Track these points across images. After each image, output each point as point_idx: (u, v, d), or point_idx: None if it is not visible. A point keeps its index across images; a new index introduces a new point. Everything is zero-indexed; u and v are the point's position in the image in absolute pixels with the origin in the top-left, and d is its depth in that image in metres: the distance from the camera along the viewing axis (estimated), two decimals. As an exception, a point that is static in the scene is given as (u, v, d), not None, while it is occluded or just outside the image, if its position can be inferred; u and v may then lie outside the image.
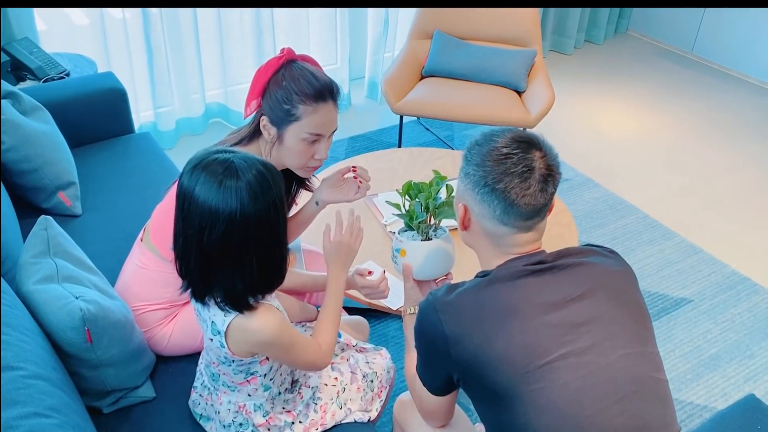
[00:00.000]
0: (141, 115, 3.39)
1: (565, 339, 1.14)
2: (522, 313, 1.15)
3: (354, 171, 1.75)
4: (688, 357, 2.43)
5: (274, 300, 1.38)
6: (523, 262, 1.22)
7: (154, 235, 1.67)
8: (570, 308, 1.17)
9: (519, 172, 1.19)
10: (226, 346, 1.31)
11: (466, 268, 2.00)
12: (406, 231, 1.61)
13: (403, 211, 1.59)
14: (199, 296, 1.29)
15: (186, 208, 1.22)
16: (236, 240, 1.21)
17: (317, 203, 1.81)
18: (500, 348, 1.13)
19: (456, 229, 1.38)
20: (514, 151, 1.20)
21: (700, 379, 2.35)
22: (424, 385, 1.31)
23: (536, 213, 1.22)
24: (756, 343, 2.49)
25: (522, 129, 1.28)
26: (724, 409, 1.66)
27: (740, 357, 2.44)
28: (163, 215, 1.67)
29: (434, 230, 1.58)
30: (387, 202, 1.75)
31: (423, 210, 1.54)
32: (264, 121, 1.58)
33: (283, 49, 1.59)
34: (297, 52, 1.60)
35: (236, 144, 1.64)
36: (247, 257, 1.23)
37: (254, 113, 1.61)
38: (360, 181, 1.76)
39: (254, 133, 1.63)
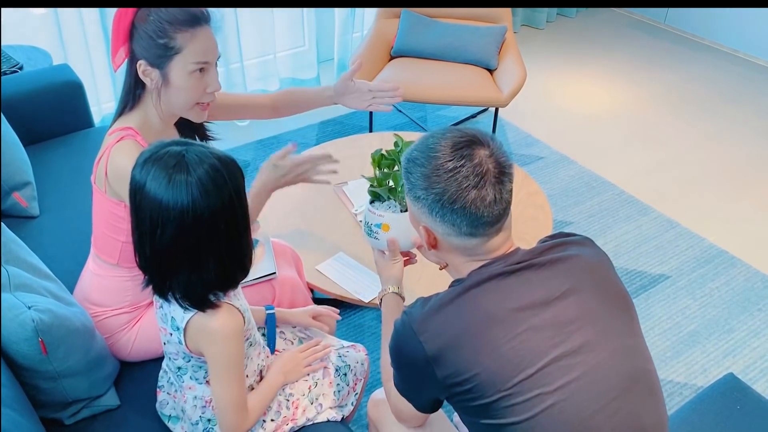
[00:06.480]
0: (103, 106, 3.28)
1: (554, 341, 1.08)
2: (506, 320, 1.08)
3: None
4: (668, 334, 2.41)
5: (239, 299, 1.32)
6: (500, 265, 1.14)
7: (94, 242, 1.60)
8: (556, 307, 1.10)
9: (473, 184, 1.10)
10: (183, 342, 1.28)
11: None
12: (375, 202, 1.45)
13: (376, 183, 1.45)
14: (160, 292, 1.25)
15: (138, 202, 1.16)
16: (189, 239, 1.15)
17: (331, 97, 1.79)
18: (488, 361, 1.06)
19: None
20: (460, 163, 1.10)
21: (680, 356, 2.33)
22: (410, 403, 1.24)
23: (502, 215, 1.15)
24: (734, 317, 2.48)
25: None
26: (704, 390, 1.64)
27: (719, 332, 2.43)
28: (95, 220, 1.60)
29: None
30: (362, 176, 1.64)
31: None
32: (142, 66, 1.44)
33: None
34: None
35: (120, 113, 1.50)
36: (204, 256, 1.18)
37: (126, 62, 1.46)
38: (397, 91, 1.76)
39: (135, 87, 1.49)
